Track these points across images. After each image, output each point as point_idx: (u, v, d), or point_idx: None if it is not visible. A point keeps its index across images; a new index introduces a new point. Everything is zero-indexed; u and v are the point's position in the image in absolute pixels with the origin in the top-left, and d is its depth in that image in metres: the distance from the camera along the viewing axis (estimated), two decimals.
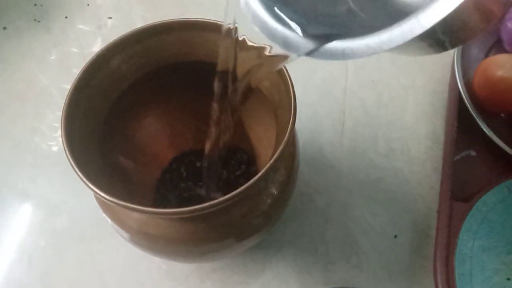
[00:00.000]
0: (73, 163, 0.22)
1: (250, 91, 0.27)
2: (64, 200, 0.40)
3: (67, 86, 0.46)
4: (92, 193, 0.39)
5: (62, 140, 0.24)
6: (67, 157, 0.23)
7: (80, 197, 0.39)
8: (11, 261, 0.36)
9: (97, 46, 0.49)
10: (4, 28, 0.49)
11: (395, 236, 0.37)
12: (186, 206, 0.21)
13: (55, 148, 0.42)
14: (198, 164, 0.37)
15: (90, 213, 0.38)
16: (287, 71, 0.26)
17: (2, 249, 0.37)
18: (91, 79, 0.26)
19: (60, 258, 0.37)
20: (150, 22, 0.50)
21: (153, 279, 0.35)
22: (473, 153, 0.40)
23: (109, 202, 0.21)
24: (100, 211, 0.38)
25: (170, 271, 0.36)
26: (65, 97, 0.45)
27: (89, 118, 0.26)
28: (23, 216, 0.39)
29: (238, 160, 0.36)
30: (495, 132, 0.38)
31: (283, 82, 0.26)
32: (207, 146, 0.29)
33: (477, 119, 0.39)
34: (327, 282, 0.35)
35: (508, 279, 0.32)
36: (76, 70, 0.47)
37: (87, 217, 0.38)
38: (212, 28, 0.28)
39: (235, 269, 0.35)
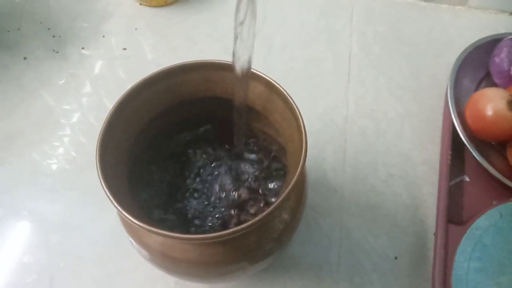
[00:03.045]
0: (109, 195, 0.25)
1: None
2: (81, 223, 0.42)
3: (80, 112, 0.49)
4: (106, 217, 0.41)
5: (98, 172, 0.26)
6: (104, 189, 0.25)
7: (96, 220, 0.42)
8: (33, 281, 0.38)
9: (110, 75, 0.52)
10: (25, 58, 0.52)
11: (396, 258, 0.39)
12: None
13: (72, 173, 0.45)
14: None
15: (106, 236, 0.41)
16: (297, 107, 0.29)
17: (25, 269, 0.39)
18: (123, 111, 0.29)
19: (79, 278, 0.39)
20: (160, 53, 0.54)
21: None
22: (466, 179, 0.43)
23: (142, 229, 0.24)
24: (117, 233, 0.40)
25: None
26: (68, 122, 0.48)
27: (119, 148, 0.29)
28: (42, 238, 0.41)
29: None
30: (487, 160, 0.41)
31: (294, 118, 0.29)
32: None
33: (470, 148, 0.42)
34: None
35: None
36: (90, 97, 0.50)
37: (103, 240, 0.41)
38: (227, 68, 0.31)
39: None
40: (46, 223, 0.42)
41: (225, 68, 0.31)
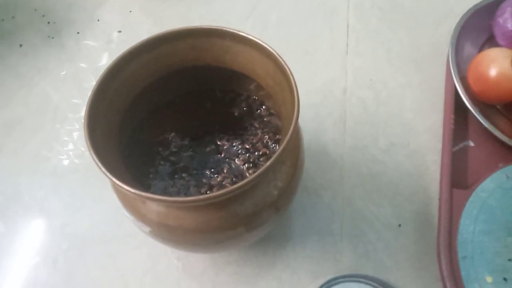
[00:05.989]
0: (103, 169, 0.24)
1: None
2: (84, 205, 0.42)
3: (78, 101, 0.49)
4: (108, 197, 0.41)
5: (88, 146, 0.25)
6: (98, 165, 0.24)
7: (98, 201, 0.42)
8: (37, 264, 0.38)
9: (107, 60, 0.51)
10: (21, 45, 0.52)
11: (399, 225, 0.38)
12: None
13: (71, 157, 0.45)
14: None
15: (109, 216, 0.41)
16: (289, 69, 0.28)
17: (29, 253, 0.39)
18: (110, 84, 0.28)
19: (83, 260, 0.39)
20: None
21: (172, 276, 0.37)
22: (471, 144, 0.42)
23: (136, 199, 0.23)
24: (119, 212, 0.40)
25: (187, 266, 0.38)
26: (75, 112, 0.47)
27: (108, 122, 0.29)
28: (45, 222, 0.41)
29: None
30: (491, 123, 0.40)
31: (286, 80, 0.28)
32: None
33: (474, 111, 0.40)
34: (336, 271, 0.36)
35: (510, 260, 0.33)
36: (87, 84, 0.50)
37: (106, 220, 0.40)
38: (218, 34, 0.31)
39: (248, 261, 0.37)
40: (49, 207, 0.42)
41: (214, 34, 0.31)
